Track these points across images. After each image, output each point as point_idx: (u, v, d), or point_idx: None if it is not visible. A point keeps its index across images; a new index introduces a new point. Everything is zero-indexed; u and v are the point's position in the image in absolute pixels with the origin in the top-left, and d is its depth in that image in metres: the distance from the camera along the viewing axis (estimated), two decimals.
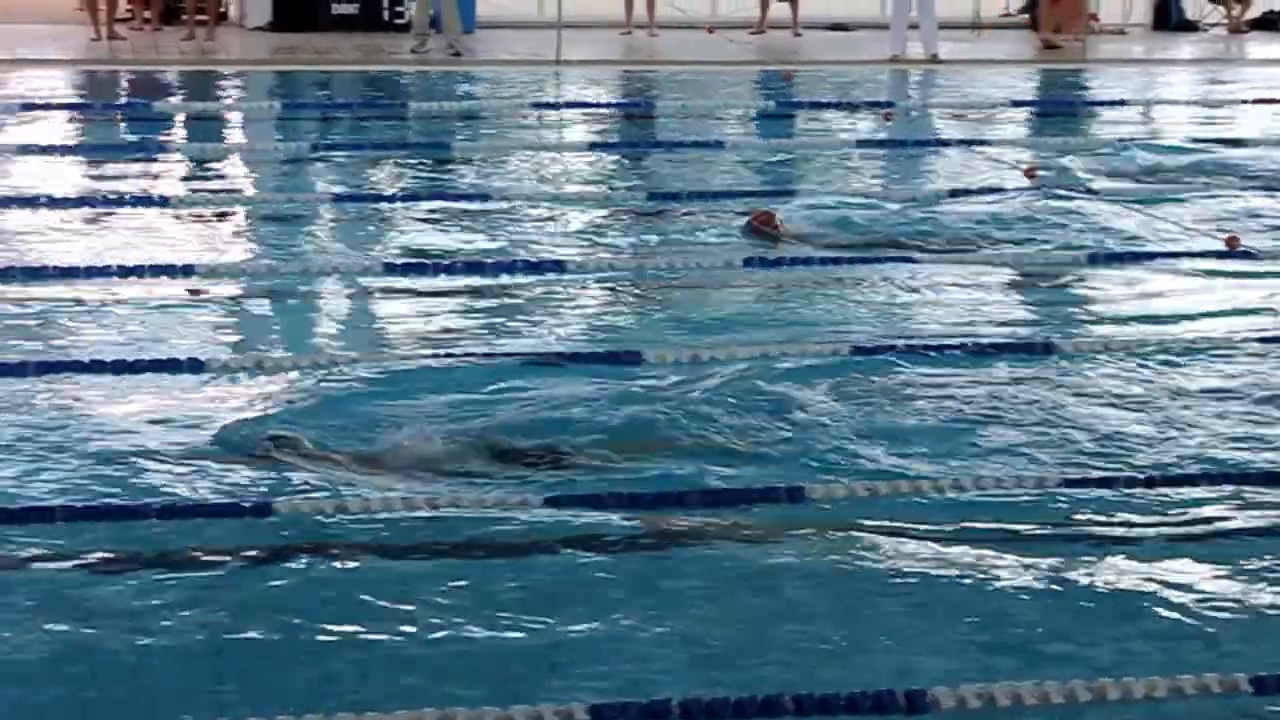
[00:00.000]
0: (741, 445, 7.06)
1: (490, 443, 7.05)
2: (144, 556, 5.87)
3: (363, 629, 5.40)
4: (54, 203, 11.92)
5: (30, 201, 11.88)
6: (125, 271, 9.73)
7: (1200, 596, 5.69)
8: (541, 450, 6.99)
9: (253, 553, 5.92)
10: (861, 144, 15.38)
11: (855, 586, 5.77)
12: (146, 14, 24.42)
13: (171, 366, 7.92)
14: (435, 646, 5.31)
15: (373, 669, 5.16)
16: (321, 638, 5.36)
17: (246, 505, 6.26)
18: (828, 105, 18.52)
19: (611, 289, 10.07)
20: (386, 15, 24.71)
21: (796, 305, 9.64)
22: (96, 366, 7.89)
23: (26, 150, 14.21)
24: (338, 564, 5.89)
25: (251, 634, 5.37)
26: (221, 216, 12.28)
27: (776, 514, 6.32)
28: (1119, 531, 6.28)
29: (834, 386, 7.80)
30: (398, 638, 5.34)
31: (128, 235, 11.24)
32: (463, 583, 5.73)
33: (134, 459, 6.85)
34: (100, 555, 5.89)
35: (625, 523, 6.24)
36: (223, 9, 24.85)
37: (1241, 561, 5.97)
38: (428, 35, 22.32)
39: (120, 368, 7.89)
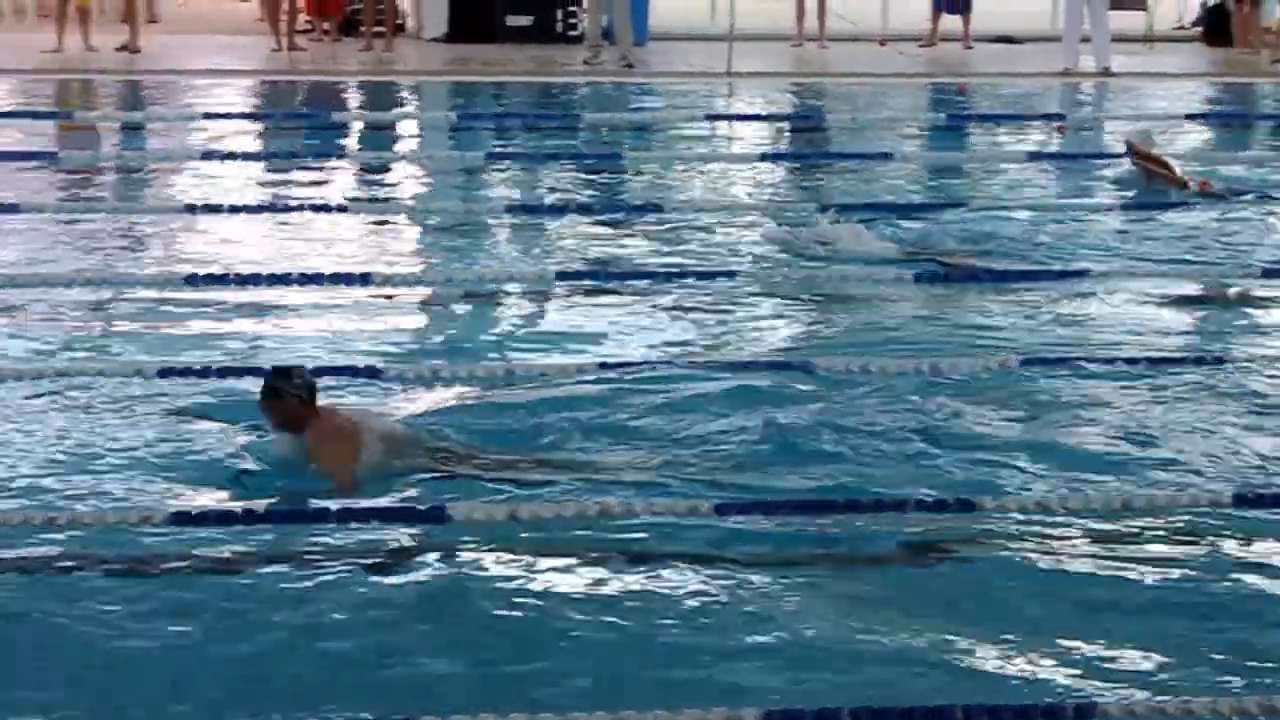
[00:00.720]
0: (909, 455, 7.10)
1: (654, 448, 7.15)
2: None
3: (533, 628, 5.54)
4: (236, 210, 12.18)
5: (214, 209, 12.14)
6: (305, 279, 9.94)
7: None
8: (714, 456, 7.07)
9: (432, 555, 6.06)
10: (1033, 156, 15.30)
11: (1017, 600, 5.81)
12: (325, 26, 24.81)
13: (349, 373, 8.08)
14: (607, 649, 5.42)
15: (544, 669, 5.28)
16: (493, 638, 5.49)
17: (422, 509, 6.41)
18: (998, 118, 18.45)
19: (782, 299, 10.12)
20: (560, 27, 24.89)
21: (963, 318, 9.65)
22: None
23: (209, 157, 14.49)
24: (509, 567, 6.01)
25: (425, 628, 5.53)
26: (396, 224, 12.49)
27: (949, 524, 6.37)
28: None
29: (1001, 399, 7.82)
30: (569, 640, 5.47)
31: (307, 242, 11.47)
32: (637, 586, 5.83)
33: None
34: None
35: (792, 530, 6.31)
36: (400, 21, 25.16)
37: None
38: (601, 47, 22.48)
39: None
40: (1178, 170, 12.78)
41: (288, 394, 6.84)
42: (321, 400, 6.94)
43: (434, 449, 7.03)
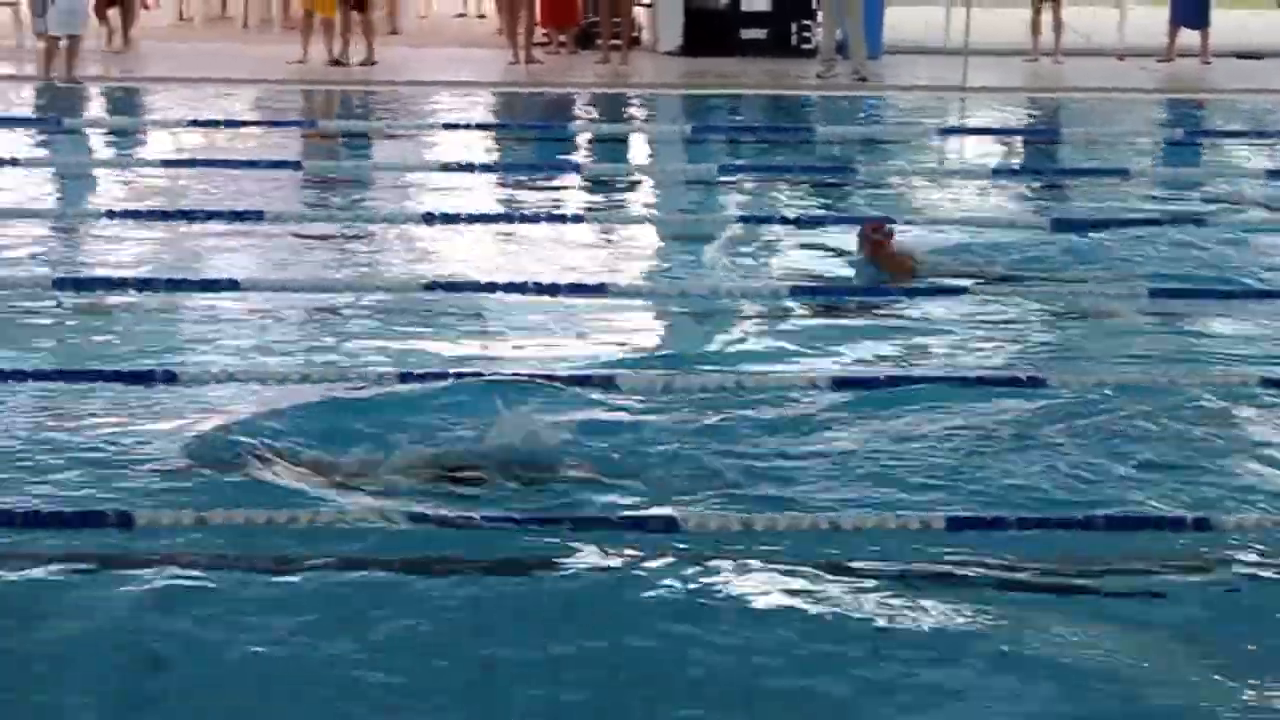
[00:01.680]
0: (1145, 472, 7.07)
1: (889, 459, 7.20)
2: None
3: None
4: (473, 219, 12.41)
5: (451, 218, 12.36)
6: (540, 288, 10.10)
7: None
8: (947, 470, 7.12)
9: (660, 562, 6.17)
10: (1273, 175, 15.05)
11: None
12: (562, 38, 25.12)
13: (582, 382, 8.21)
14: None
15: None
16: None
17: (659, 516, 6.51)
18: (1238, 134, 18.17)
19: (1014, 313, 10.09)
20: (795, 40, 24.97)
21: (1197, 333, 9.57)
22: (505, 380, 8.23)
23: (446, 168, 14.75)
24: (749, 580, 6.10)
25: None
26: (630, 236, 12.64)
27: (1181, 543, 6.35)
28: None
29: (1238, 417, 7.76)
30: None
31: (542, 252, 11.66)
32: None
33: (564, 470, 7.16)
34: None
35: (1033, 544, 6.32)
36: (636, 34, 25.39)
37: None
38: (834, 60, 22.51)
39: (528, 381, 8.25)
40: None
41: None
42: None
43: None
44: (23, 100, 19.69)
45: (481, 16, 29.28)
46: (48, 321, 9.77)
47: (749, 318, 10.05)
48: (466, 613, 5.75)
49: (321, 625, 5.64)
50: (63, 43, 20.40)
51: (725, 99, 21.11)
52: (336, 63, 22.47)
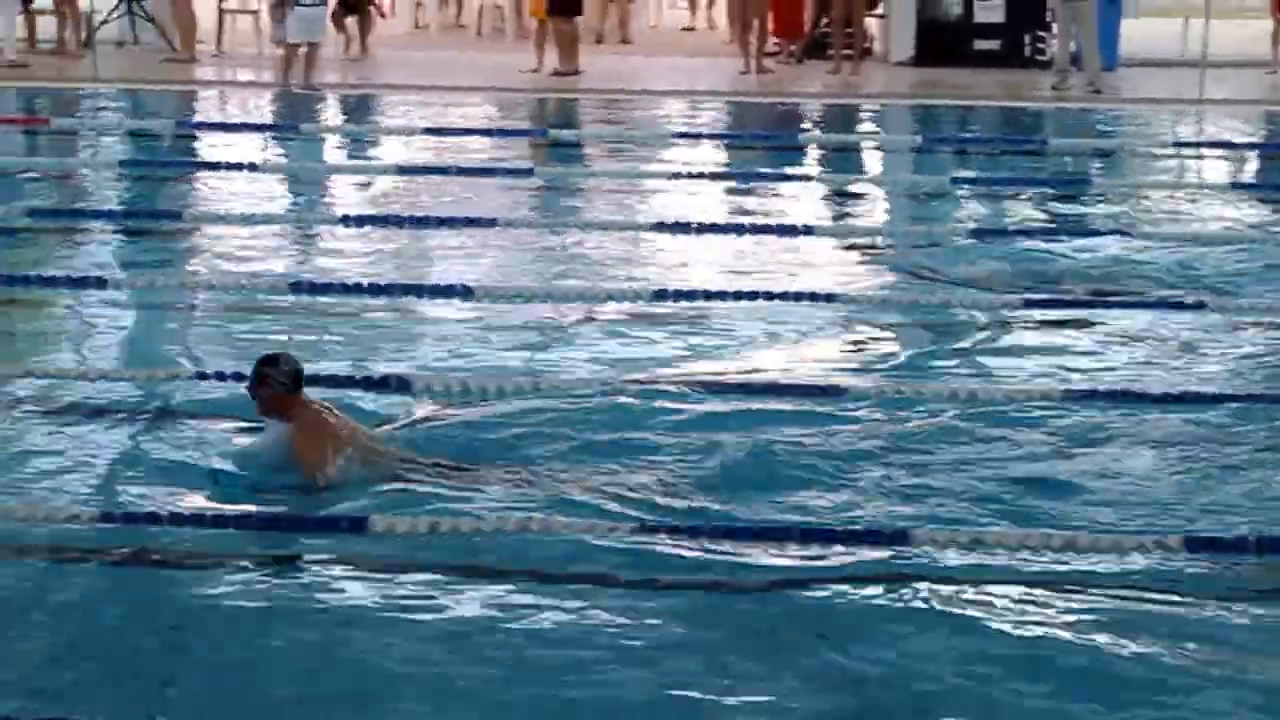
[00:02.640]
0: None
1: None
2: None
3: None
4: (703, 229, 12.41)
5: (682, 227, 12.38)
6: (770, 296, 10.08)
7: None
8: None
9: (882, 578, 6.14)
10: None
11: None
12: (793, 48, 25.09)
13: (810, 393, 8.19)
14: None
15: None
16: None
17: (885, 531, 6.47)
18: None
19: (1251, 330, 9.91)
20: (1029, 51, 24.69)
21: None
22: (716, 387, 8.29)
23: (677, 177, 14.79)
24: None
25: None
26: (860, 246, 12.57)
27: None
28: None
29: None
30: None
31: (772, 262, 11.64)
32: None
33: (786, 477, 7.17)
34: None
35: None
36: (868, 44, 25.28)
37: None
38: (1068, 72, 22.22)
39: (757, 390, 8.32)
40: None
41: (274, 381, 6.93)
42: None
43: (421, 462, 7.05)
44: (261, 106, 20.10)
45: (711, 27, 29.30)
46: (284, 324, 9.95)
47: (981, 328, 9.96)
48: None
49: None
50: (302, 50, 20.79)
51: (957, 110, 20.93)
52: (560, 73, 22.62)
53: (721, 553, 6.28)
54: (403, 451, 7.20)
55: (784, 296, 10.08)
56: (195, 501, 6.82)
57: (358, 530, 6.36)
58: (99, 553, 6.28)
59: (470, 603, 5.98)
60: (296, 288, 10.54)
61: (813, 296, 10.12)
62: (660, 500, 6.86)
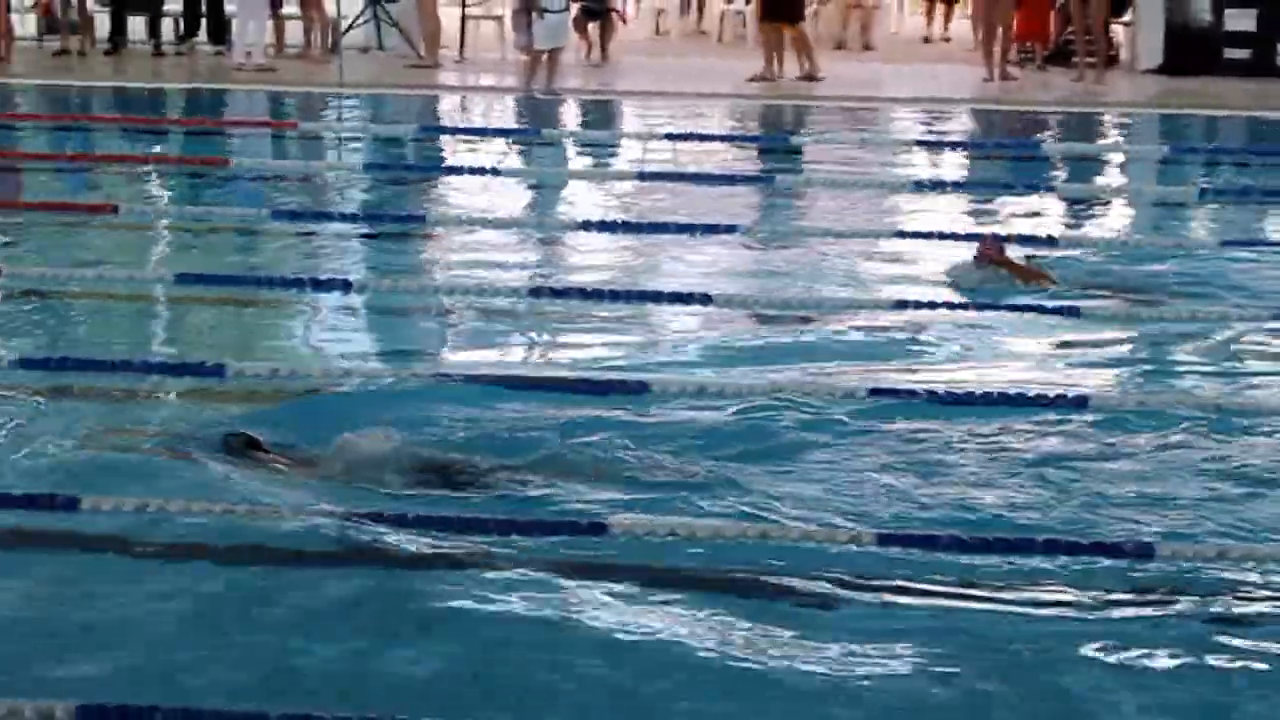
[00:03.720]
0: None
1: None
2: None
3: None
4: (944, 237, 12.23)
5: (924, 236, 12.24)
6: (1015, 309, 9.94)
7: None
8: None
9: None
10: None
11: None
12: (1036, 55, 24.78)
13: (1060, 404, 8.03)
14: None
15: None
16: None
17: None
18: None
19: None
20: None
21: None
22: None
23: (920, 186, 14.63)
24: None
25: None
26: (1104, 256, 12.33)
27: None
28: None
29: None
30: None
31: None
32: None
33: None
34: None
35: None
36: (1113, 52, 24.88)
37: None
38: None
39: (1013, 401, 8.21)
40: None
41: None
42: None
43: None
44: (504, 111, 20.28)
45: (946, 39, 28.98)
46: (524, 328, 10.01)
47: (1241, 340, 9.74)
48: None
49: None
50: (545, 55, 20.94)
51: (1205, 120, 20.50)
52: (809, 77, 22.53)
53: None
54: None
55: (1029, 308, 9.91)
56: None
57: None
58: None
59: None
60: (536, 293, 10.62)
61: (1059, 311, 9.94)
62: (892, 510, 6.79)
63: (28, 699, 4.88)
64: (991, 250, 10.96)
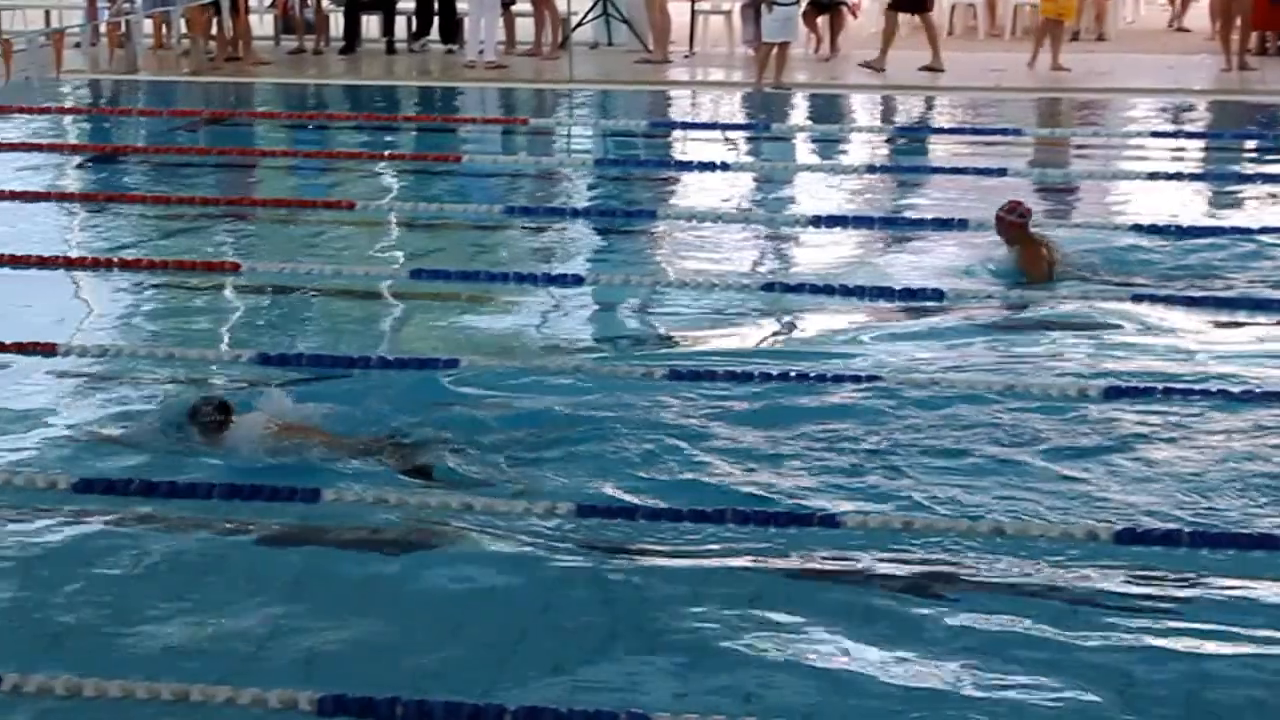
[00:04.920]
0: None
1: None
2: None
3: None
4: (1184, 232, 12.03)
5: (1158, 230, 12.03)
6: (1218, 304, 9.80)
7: None
8: None
9: None
10: None
11: None
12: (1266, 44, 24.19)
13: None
14: None
15: None
16: None
17: None
18: None
19: None
20: None
21: None
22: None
23: (1154, 177, 14.38)
24: None
25: None
26: None
27: None
28: None
29: None
30: None
31: (1237, 265, 11.25)
32: None
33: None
34: None
35: None
36: None
37: None
38: None
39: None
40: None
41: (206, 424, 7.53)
42: None
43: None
44: (733, 106, 20.22)
45: (1176, 27, 28.34)
46: (751, 324, 9.99)
47: None
48: None
49: None
50: (774, 49, 20.86)
51: None
52: (930, 68, 22.19)
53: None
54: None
55: (1230, 302, 9.76)
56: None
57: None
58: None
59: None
60: (769, 288, 10.61)
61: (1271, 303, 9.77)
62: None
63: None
64: (1016, 216, 10.80)
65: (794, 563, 6.45)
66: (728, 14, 24.50)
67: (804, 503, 6.92)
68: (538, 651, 5.75)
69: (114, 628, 5.98)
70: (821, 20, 23.87)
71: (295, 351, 9.19)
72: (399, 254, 12.06)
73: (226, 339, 9.81)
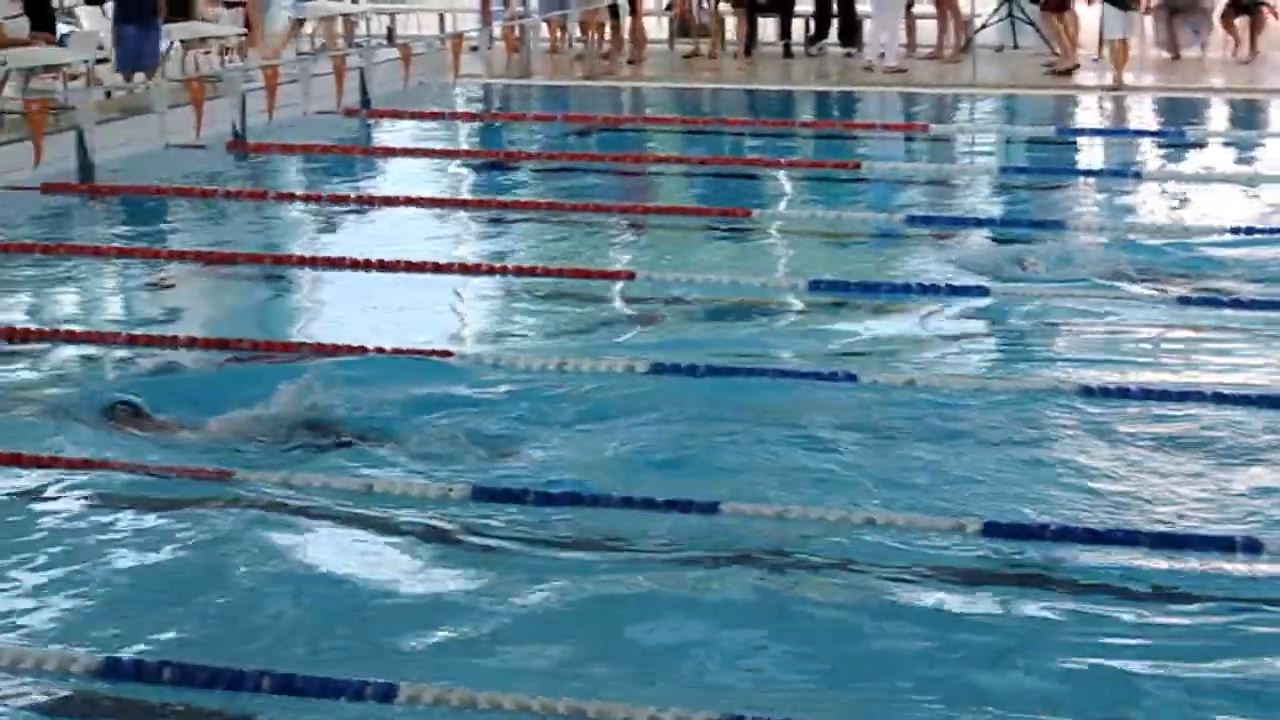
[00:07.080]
0: None
1: None
2: None
3: None
4: None
5: None
6: None
7: None
8: None
9: None
10: None
11: None
12: None
13: None
14: None
15: None
16: None
17: None
18: None
19: None
20: None
21: None
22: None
23: None
24: None
25: None
26: None
27: None
28: None
29: None
30: None
31: None
32: None
33: None
34: None
35: None
36: None
37: None
38: None
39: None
40: None
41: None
42: None
43: None
44: (1142, 111, 19.48)
45: None
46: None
47: None
48: None
49: None
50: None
51: None
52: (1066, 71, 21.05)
53: None
54: None
55: None
56: None
57: None
58: None
59: None
60: (1184, 302, 10.17)
61: None
62: None
63: None
64: None
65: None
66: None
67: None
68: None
69: None
70: (1240, 21, 22.90)
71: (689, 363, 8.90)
72: (797, 263, 11.74)
73: (621, 347, 9.56)
